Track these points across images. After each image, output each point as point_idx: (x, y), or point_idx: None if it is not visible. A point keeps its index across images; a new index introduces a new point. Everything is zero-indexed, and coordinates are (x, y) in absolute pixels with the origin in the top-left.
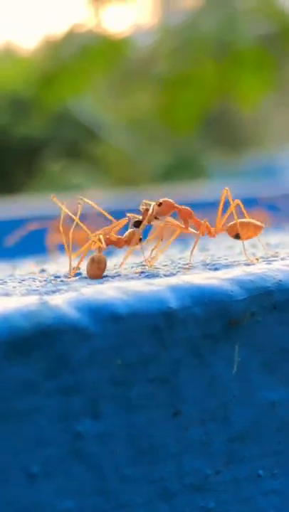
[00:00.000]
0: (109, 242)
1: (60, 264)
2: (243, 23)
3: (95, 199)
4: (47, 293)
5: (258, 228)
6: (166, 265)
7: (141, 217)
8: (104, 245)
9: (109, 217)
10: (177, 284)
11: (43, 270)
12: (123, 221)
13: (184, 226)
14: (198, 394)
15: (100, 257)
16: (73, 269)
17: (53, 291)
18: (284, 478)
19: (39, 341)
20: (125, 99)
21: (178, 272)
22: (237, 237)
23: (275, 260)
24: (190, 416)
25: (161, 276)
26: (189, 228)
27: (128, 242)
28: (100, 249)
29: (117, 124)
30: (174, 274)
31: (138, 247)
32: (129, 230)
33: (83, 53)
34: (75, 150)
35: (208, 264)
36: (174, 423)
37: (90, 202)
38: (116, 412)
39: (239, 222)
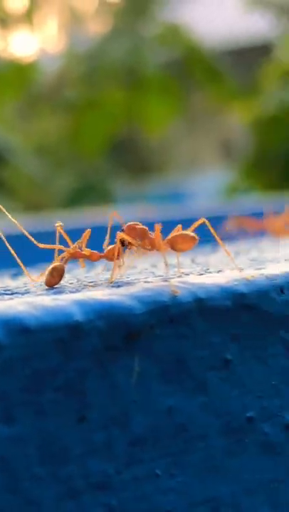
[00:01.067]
0: (80, 256)
1: None
2: (149, 49)
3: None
4: None
5: (192, 240)
6: (72, 283)
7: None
8: (64, 260)
9: (66, 236)
10: (82, 300)
11: None
12: (86, 235)
13: (140, 243)
14: (102, 401)
15: (56, 266)
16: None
17: None
18: (181, 477)
19: None
20: (33, 123)
21: (83, 288)
22: (174, 249)
23: (172, 278)
24: (94, 421)
25: (67, 293)
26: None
27: (106, 256)
28: (63, 260)
29: (25, 148)
30: (79, 291)
31: (120, 261)
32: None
33: None
34: None
35: (111, 282)
36: (79, 427)
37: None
38: (27, 418)
39: (175, 235)
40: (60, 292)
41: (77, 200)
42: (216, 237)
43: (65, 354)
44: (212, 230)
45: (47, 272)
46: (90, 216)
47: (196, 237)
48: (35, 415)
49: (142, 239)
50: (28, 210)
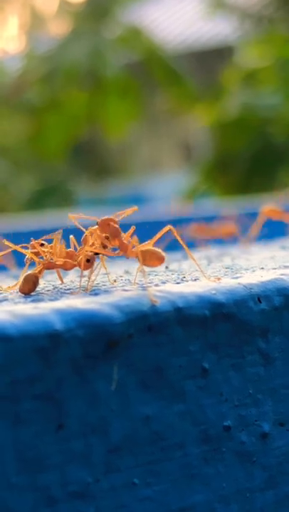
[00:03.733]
0: (53, 266)
1: None
2: (110, 51)
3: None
4: None
5: (160, 259)
6: (49, 290)
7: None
8: (38, 271)
9: (40, 249)
10: (62, 308)
11: None
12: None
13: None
14: (80, 409)
15: (28, 275)
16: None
17: None
18: (157, 486)
19: None
20: None
21: (61, 296)
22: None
23: (149, 286)
24: (72, 429)
25: (46, 301)
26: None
27: (79, 264)
28: (38, 269)
29: None
30: (58, 299)
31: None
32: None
33: None
34: None
35: (88, 290)
36: (57, 436)
37: None
38: (4, 426)
39: (147, 250)
40: (39, 300)
41: (39, 202)
42: (184, 245)
43: (45, 362)
44: (179, 239)
45: (21, 280)
46: (52, 218)
47: (165, 257)
48: (12, 423)
49: (112, 238)
50: None
